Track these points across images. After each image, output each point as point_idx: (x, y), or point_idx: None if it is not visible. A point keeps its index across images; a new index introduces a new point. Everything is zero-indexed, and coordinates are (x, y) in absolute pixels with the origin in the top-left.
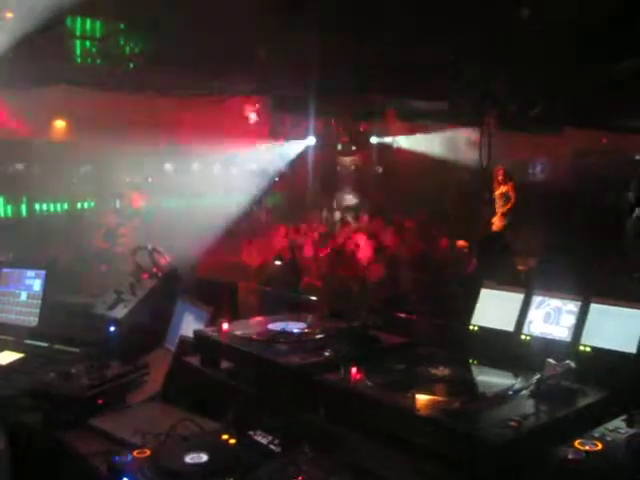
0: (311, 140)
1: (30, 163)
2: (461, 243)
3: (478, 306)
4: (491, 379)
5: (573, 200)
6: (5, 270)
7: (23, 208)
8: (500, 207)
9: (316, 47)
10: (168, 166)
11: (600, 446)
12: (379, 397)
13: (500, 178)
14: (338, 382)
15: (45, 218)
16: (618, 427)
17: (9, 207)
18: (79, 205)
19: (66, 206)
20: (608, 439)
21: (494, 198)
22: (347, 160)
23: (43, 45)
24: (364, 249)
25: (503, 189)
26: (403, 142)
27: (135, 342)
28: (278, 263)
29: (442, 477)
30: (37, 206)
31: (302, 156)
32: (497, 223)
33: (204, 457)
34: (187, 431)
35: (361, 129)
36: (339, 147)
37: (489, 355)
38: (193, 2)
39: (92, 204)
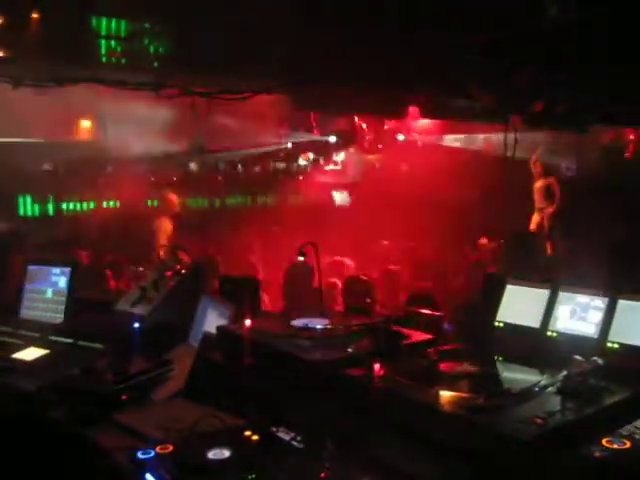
0: (332, 138)
1: (56, 163)
2: (484, 241)
3: (503, 302)
4: (517, 375)
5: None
6: (31, 267)
7: (50, 207)
8: (539, 202)
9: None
10: (192, 165)
11: (628, 444)
12: (402, 393)
13: (539, 170)
14: (361, 378)
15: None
16: None
17: (36, 206)
18: (105, 204)
19: (92, 205)
20: (637, 437)
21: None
22: (371, 158)
23: (68, 45)
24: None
25: (543, 182)
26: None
27: (159, 338)
28: (301, 259)
29: (466, 473)
30: (64, 205)
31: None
32: (536, 221)
33: (226, 453)
34: (210, 427)
35: (386, 126)
36: (365, 145)
37: (515, 352)
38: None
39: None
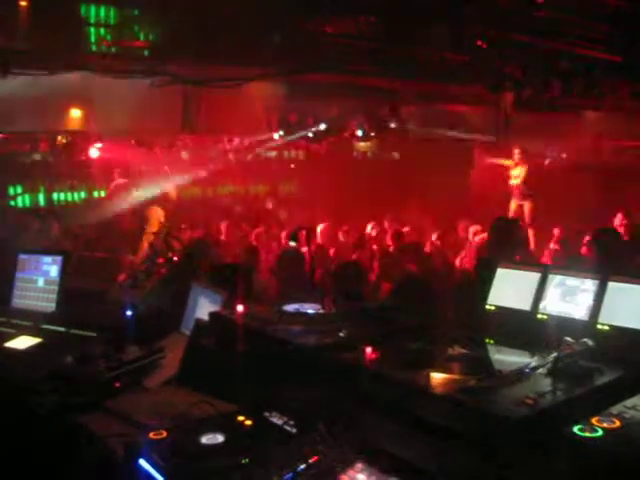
0: (321, 126)
1: (47, 153)
2: (477, 229)
3: (494, 286)
4: (508, 357)
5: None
6: (22, 256)
7: (41, 197)
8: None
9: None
10: (184, 154)
11: (618, 423)
12: (395, 376)
13: (517, 157)
14: (353, 362)
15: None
16: (637, 404)
17: (27, 197)
18: (96, 194)
19: (83, 195)
20: (626, 416)
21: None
22: (363, 146)
23: (58, 33)
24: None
25: (520, 170)
26: None
27: (151, 326)
28: (292, 244)
29: (459, 454)
30: (55, 195)
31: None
32: (515, 209)
33: (220, 438)
34: (203, 413)
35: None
36: (358, 133)
37: (506, 334)
38: None
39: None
